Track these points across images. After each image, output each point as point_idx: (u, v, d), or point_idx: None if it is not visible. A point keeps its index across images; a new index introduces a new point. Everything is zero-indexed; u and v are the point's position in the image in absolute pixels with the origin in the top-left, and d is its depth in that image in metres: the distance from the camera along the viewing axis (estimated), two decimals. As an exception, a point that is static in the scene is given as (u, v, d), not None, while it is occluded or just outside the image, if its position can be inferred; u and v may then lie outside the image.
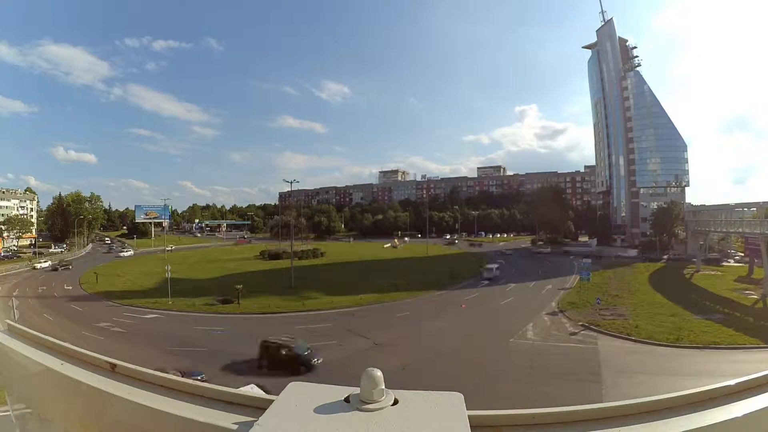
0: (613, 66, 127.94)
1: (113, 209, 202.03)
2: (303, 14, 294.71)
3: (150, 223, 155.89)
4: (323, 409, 1.47)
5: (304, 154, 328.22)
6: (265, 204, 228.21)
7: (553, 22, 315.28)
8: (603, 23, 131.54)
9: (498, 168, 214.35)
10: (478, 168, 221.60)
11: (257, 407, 1.68)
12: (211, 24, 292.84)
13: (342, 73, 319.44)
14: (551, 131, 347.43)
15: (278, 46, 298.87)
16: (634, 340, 36.55)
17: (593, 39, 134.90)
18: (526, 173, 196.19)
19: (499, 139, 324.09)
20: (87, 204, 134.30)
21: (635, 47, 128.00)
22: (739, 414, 1.68)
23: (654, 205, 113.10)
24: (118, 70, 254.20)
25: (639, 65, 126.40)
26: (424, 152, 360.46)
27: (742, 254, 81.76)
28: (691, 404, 1.72)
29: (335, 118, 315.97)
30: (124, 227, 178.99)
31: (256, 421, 1.45)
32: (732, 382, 1.78)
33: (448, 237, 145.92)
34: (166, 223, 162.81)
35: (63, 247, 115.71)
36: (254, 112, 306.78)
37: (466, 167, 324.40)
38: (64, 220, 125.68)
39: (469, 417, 1.46)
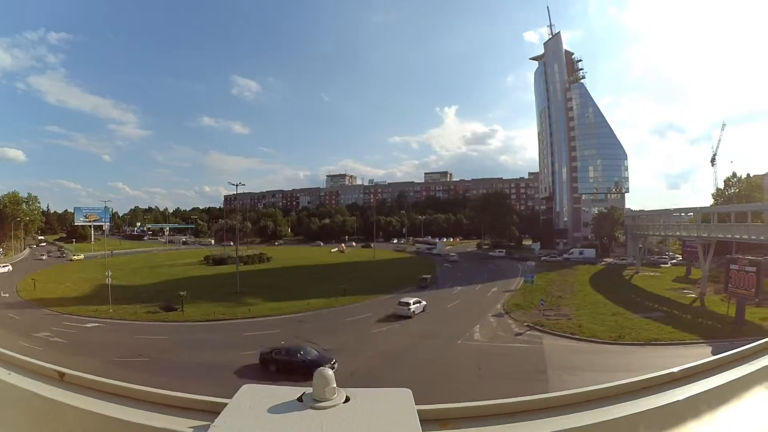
0: (559, 78, 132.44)
1: (51, 211, 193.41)
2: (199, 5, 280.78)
3: (90, 226, 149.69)
4: (277, 409, 1.51)
5: (232, 155, 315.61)
6: (209, 207, 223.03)
7: (467, 15, 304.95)
8: (550, 36, 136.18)
9: (444, 174, 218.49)
10: (425, 173, 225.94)
11: (211, 411, 1.71)
12: (107, 17, 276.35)
13: (249, 67, 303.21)
14: (480, 134, 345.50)
15: (176, 38, 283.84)
16: (578, 339, 37.08)
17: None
18: (472, 179, 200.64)
19: (429, 142, 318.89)
20: (24, 205, 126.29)
21: (580, 60, 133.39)
22: (681, 397, 1.83)
23: (595, 210, 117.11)
24: (18, 64, 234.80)
25: (584, 77, 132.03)
26: (354, 154, 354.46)
27: (680, 257, 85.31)
28: (635, 391, 1.86)
29: (253, 117, 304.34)
30: (63, 231, 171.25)
31: (211, 423, 1.49)
32: (675, 369, 1.96)
33: (395, 241, 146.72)
34: (106, 227, 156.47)
35: None
36: (169, 110, 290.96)
37: (401, 171, 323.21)
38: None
39: (418, 411, 1.52)
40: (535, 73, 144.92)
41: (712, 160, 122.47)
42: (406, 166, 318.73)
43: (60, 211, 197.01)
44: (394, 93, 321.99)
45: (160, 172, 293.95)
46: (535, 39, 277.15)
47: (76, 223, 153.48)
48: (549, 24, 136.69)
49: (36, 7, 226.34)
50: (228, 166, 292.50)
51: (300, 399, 1.54)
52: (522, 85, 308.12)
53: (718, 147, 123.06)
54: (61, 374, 2.01)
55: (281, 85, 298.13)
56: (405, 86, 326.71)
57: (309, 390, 1.56)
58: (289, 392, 1.58)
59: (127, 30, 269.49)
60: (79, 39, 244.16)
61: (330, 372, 1.56)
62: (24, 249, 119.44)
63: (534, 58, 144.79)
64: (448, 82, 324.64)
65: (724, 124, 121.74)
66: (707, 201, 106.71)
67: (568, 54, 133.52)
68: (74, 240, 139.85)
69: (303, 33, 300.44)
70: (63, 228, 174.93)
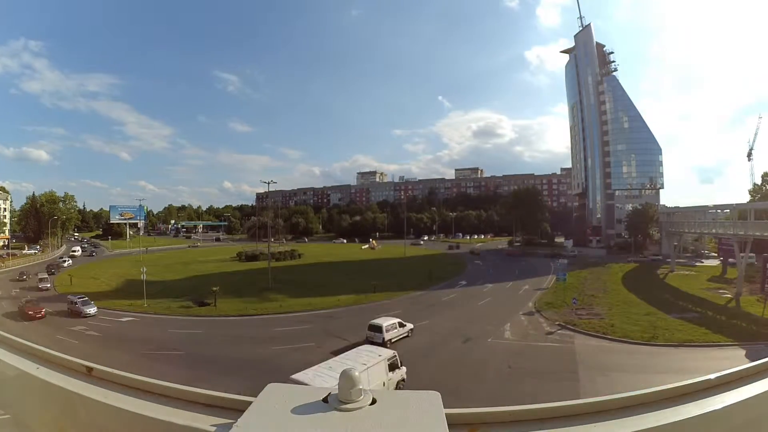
0: (590, 71, 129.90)
1: (87, 210, 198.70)
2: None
3: (125, 224, 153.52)
4: (301, 410, 1.50)
5: (242, 153, 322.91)
6: (242, 204, 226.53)
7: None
8: (581, 28, 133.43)
9: (475, 170, 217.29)
10: (455, 170, 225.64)
11: (235, 409, 1.72)
12: (81, 20, 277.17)
13: (240, 66, 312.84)
14: (487, 125, 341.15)
15: (168, 39, 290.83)
16: (610, 339, 36.77)
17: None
18: (503, 175, 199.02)
19: (437, 135, 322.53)
20: (61, 204, 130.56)
21: (612, 52, 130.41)
22: (719, 406, 1.76)
23: (629, 206, 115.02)
24: (7, 71, 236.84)
25: (615, 70, 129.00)
26: (364, 149, 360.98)
27: (715, 254, 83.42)
28: (668, 399, 1.80)
29: (255, 117, 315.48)
30: (99, 228, 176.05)
31: (234, 422, 1.47)
32: (711, 376, 1.88)
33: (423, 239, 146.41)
34: (141, 224, 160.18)
35: (37, 249, 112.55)
36: (167, 110, 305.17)
37: (416, 167, 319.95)
38: (37, 221, 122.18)
39: (447, 415, 1.49)
40: (566, 67, 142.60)
41: (749, 155, 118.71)
42: (422, 161, 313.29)
43: (95, 209, 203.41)
44: (387, 86, 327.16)
45: (175, 170, 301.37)
46: (514, 4, 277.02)
47: (111, 221, 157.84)
48: (579, 15, 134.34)
49: (18, 14, 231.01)
50: (242, 163, 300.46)
51: (325, 400, 1.54)
52: (517, 65, 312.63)
53: (754, 140, 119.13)
54: (89, 369, 2.09)
55: (279, 84, 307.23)
56: (397, 79, 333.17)
57: (335, 391, 1.56)
58: (315, 392, 1.60)
59: (116, 32, 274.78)
60: (57, 45, 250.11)
61: (357, 373, 1.56)
62: (61, 245, 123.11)
63: (564, 51, 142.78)
64: (438, 70, 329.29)
65: (760, 117, 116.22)
66: (743, 197, 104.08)
67: (599, 46, 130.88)
68: (110, 237, 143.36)
69: (289, 32, 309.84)
70: (99, 226, 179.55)
